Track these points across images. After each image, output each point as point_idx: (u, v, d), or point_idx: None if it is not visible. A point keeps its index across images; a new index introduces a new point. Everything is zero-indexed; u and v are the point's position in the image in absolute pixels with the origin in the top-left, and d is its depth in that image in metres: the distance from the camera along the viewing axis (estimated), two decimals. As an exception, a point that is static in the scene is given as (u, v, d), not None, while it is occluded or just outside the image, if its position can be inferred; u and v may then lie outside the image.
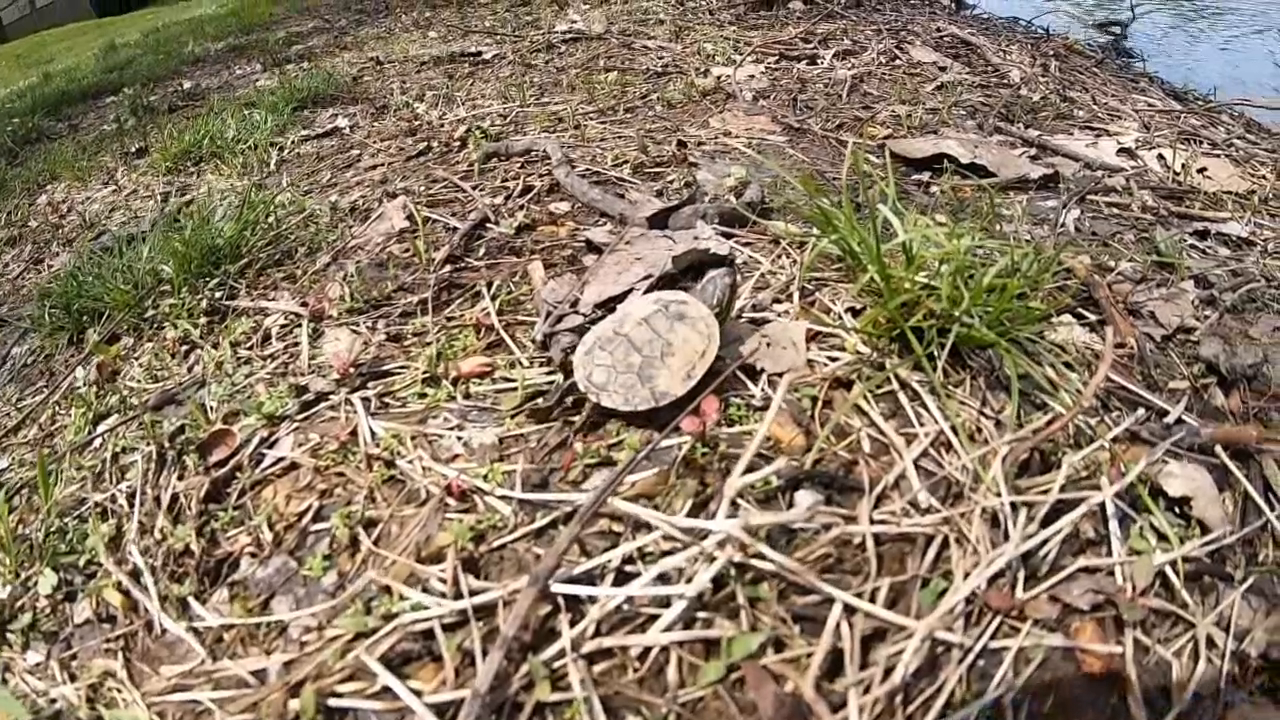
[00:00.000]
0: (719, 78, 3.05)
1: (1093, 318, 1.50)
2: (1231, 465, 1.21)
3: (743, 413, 1.20)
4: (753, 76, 3.09)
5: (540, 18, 4.86)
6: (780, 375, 1.24)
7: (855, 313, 1.39)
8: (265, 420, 1.46)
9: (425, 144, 2.73)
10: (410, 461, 1.28)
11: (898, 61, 3.31)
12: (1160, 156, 2.58)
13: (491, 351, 1.47)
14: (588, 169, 2.21)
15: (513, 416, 1.30)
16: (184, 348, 1.83)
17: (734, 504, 1.03)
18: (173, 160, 3.32)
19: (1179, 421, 1.27)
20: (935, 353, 1.23)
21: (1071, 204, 2.07)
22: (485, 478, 1.20)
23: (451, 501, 1.19)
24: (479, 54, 4.07)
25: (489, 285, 1.65)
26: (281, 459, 1.39)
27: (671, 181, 2.10)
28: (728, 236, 1.70)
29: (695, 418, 1.11)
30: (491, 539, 1.12)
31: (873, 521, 1.00)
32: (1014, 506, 1.01)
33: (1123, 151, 2.59)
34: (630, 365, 1.18)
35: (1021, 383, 1.20)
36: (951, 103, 2.83)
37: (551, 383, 1.34)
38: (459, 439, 1.29)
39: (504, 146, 2.39)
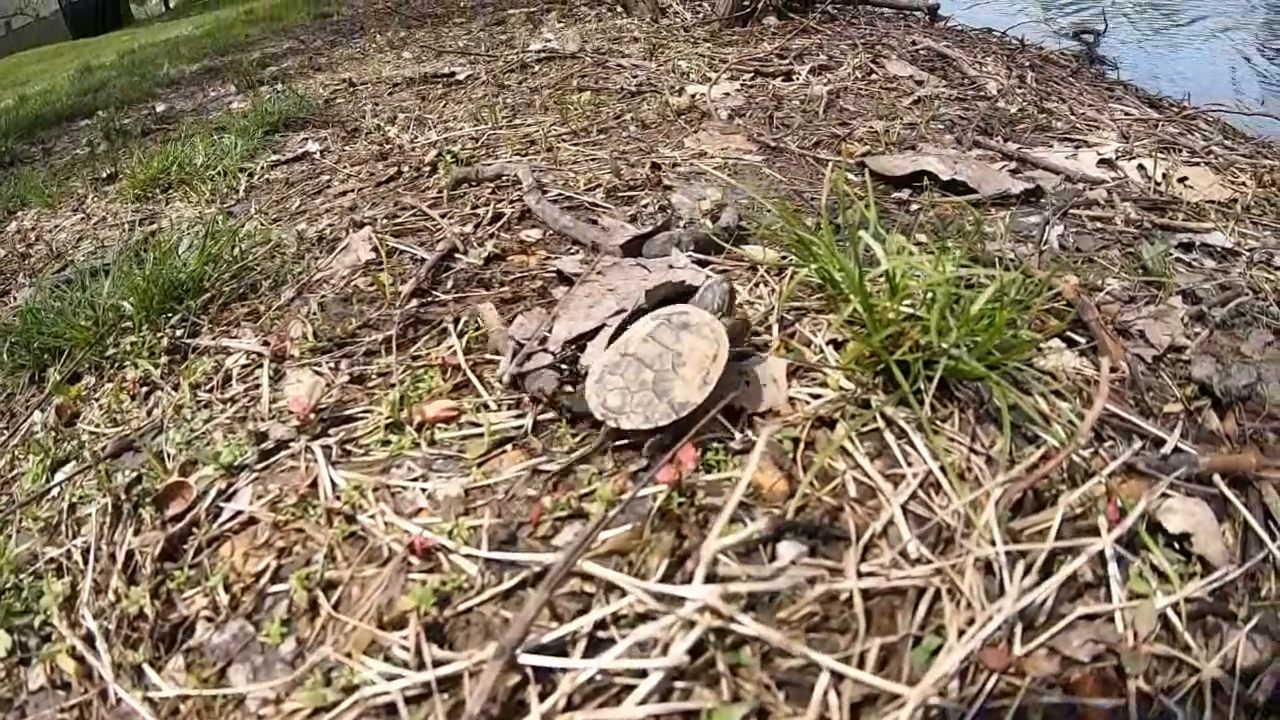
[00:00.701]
0: (694, 96, 3.00)
1: (1083, 341, 1.44)
2: (1230, 494, 1.16)
3: (721, 458, 1.14)
4: (728, 94, 3.04)
5: (515, 37, 4.81)
6: (761, 415, 1.18)
7: (838, 345, 1.33)
8: (223, 471, 1.39)
9: (396, 169, 2.66)
10: (372, 516, 1.21)
11: (874, 76, 3.27)
12: (1141, 167, 2.54)
13: (458, 393, 1.40)
14: (560, 193, 2.14)
15: (479, 465, 1.23)
16: (144, 389, 1.75)
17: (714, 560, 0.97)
18: (141, 188, 3.24)
19: (1176, 451, 1.22)
20: (922, 387, 1.17)
21: (1055, 220, 2.02)
22: (450, 534, 1.13)
23: (415, 561, 1.12)
24: (452, 74, 4.01)
25: (456, 321, 1.58)
26: (239, 513, 1.31)
27: (646, 205, 2.04)
28: (703, 264, 1.64)
29: (671, 467, 1.04)
30: (457, 601, 1.05)
31: (860, 574, 0.94)
32: (1009, 556, 0.95)
33: (1103, 163, 2.55)
34: (644, 383, 1.14)
35: (1012, 414, 1.14)
36: (929, 117, 2.79)
37: (520, 427, 1.27)
38: (423, 491, 1.22)
39: (474, 171, 2.32)
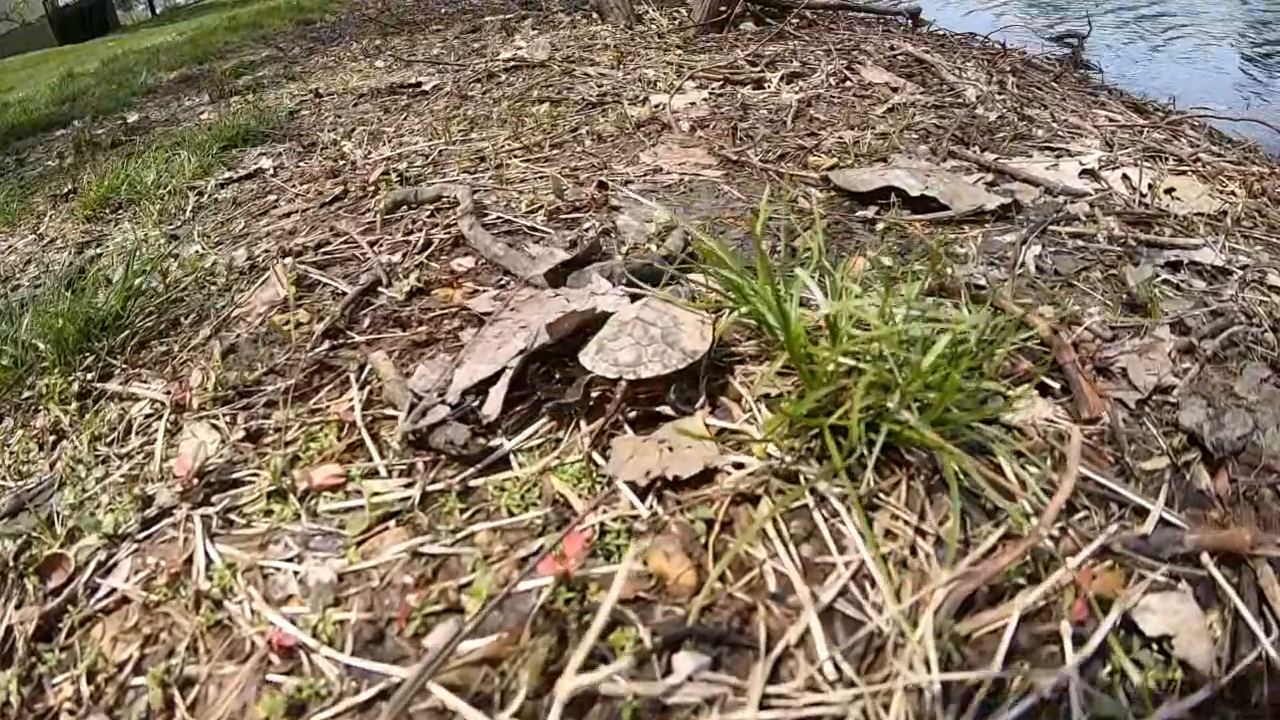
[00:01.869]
0: (656, 106, 2.82)
1: (1057, 386, 1.26)
2: (1220, 576, 0.98)
3: (621, 540, 0.96)
4: (694, 104, 2.86)
5: (488, 44, 4.63)
6: (678, 485, 1.00)
7: (770, 400, 1.15)
8: (105, 540, 1.23)
9: (343, 187, 2.49)
10: (240, 602, 1.04)
11: (848, 83, 3.09)
12: (1125, 177, 2.37)
13: (351, 454, 1.23)
14: (500, 216, 1.97)
15: (358, 544, 1.06)
16: (52, 437, 1.59)
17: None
18: (91, 208, 3.07)
19: (1159, 524, 1.04)
20: (864, 453, 0.99)
21: (1031, 238, 1.84)
22: (315, 630, 0.96)
23: (275, 659, 0.95)
24: (419, 85, 3.83)
25: (361, 368, 1.40)
26: (114, 590, 1.15)
27: (589, 229, 1.87)
28: (635, 298, 1.47)
29: (554, 559, 0.87)
30: (312, 711, 0.88)
31: (764, 705, 0.76)
32: (945, 689, 0.77)
33: (1085, 173, 2.37)
34: (654, 338, 1.19)
35: (970, 485, 0.96)
36: (903, 126, 2.61)
37: (407, 498, 1.10)
38: (296, 574, 1.05)
39: (413, 193, 2.14)
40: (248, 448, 1.32)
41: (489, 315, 1.44)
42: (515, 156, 2.47)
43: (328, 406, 1.35)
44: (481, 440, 1.13)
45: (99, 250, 2.72)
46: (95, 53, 9.80)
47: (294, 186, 2.73)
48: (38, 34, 14.33)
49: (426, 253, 1.84)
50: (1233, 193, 2.39)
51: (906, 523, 0.97)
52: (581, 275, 1.56)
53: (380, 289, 1.71)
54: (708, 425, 1.10)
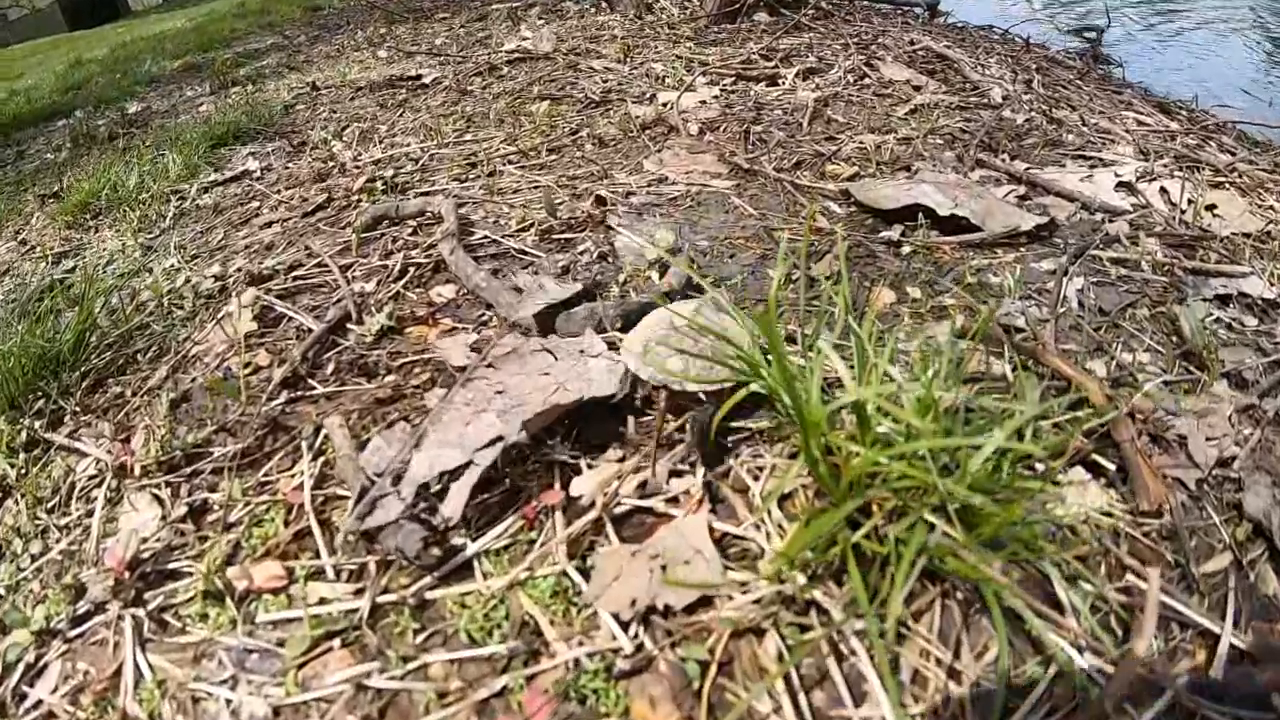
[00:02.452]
0: (665, 105, 2.63)
1: (1110, 466, 1.08)
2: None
3: (600, 683, 0.79)
4: (704, 103, 2.66)
5: (492, 34, 4.43)
6: (669, 614, 0.83)
7: (784, 501, 0.97)
8: (33, 638, 1.06)
9: (326, 195, 2.32)
10: (165, 731, 0.88)
11: (867, 81, 2.88)
12: (1163, 190, 2.16)
13: (299, 544, 1.06)
14: (487, 235, 1.79)
15: (298, 666, 0.89)
16: (-1, 494, 1.43)
17: None
18: (72, 213, 2.90)
19: (1229, 655, 0.86)
20: (894, 575, 0.81)
21: (1073, 268, 1.65)
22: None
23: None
24: (418, 78, 3.64)
25: (316, 431, 1.23)
26: (41, 703, 0.99)
27: (583, 252, 1.69)
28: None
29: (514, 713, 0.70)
30: None
31: None
32: None
33: (1122, 186, 2.17)
34: (701, 348, 1.13)
35: (1013, 602, 0.79)
36: (927, 130, 2.41)
37: (355, 611, 0.93)
38: (228, 702, 0.88)
39: (395, 207, 1.96)
40: (189, 530, 1.15)
41: (462, 371, 1.26)
42: (510, 162, 2.29)
43: (277, 480, 1.17)
44: (436, 551, 0.95)
45: (75, 261, 2.55)
46: (104, 39, 9.59)
47: (278, 192, 2.55)
48: (48, 20, 14.09)
49: (405, 279, 1.66)
50: (1272, 207, 2.20)
51: (939, 661, 0.79)
52: (571, 319, 1.38)
53: (349, 325, 1.53)
54: (710, 528, 0.92)
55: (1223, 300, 1.65)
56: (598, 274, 1.63)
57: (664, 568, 0.86)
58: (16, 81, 8.31)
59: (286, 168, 2.83)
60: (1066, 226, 1.92)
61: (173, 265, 2.17)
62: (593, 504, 1.00)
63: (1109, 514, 1.00)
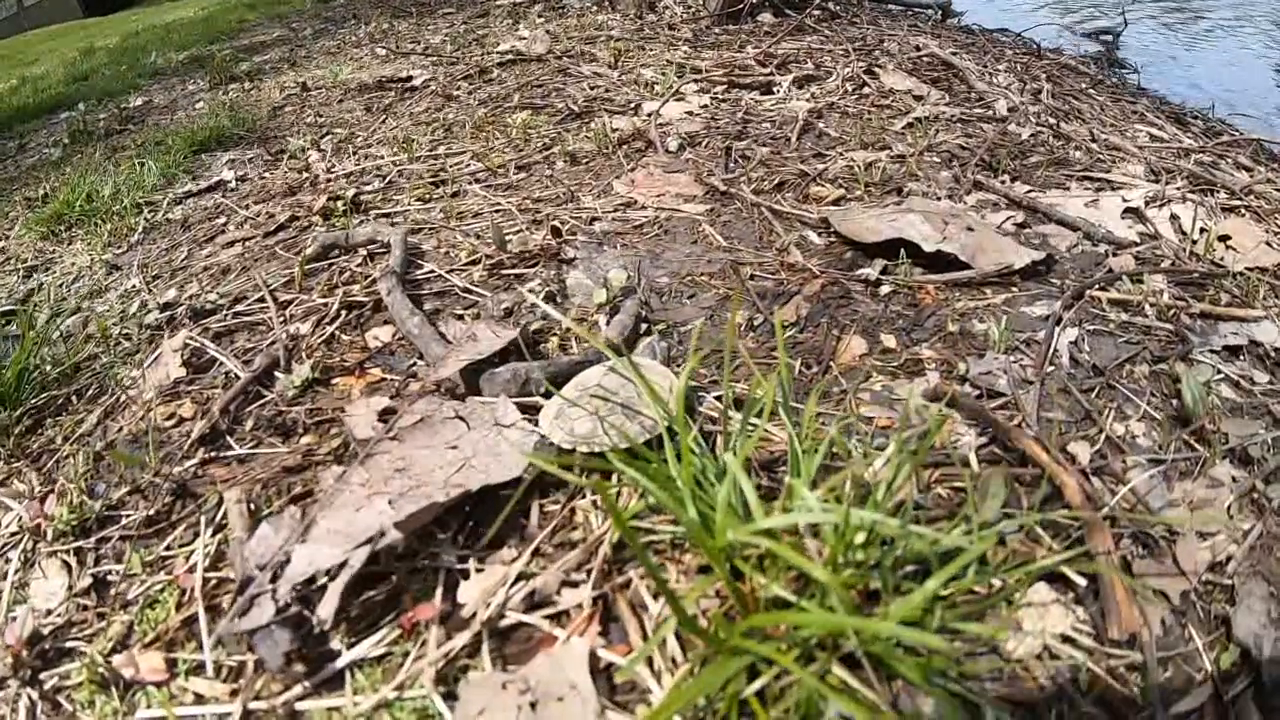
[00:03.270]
0: (648, 116, 2.46)
1: (1080, 580, 0.92)
2: None
3: None
4: (691, 113, 2.50)
5: (491, 33, 4.27)
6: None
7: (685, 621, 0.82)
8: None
9: (290, 214, 2.18)
10: None
11: (866, 90, 2.70)
12: (1174, 217, 1.98)
13: (186, 631, 0.93)
14: (434, 270, 1.65)
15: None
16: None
17: None
18: (47, 224, 2.78)
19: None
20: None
21: (1068, 315, 1.49)
22: None
23: None
24: (409, 79, 3.50)
25: (218, 505, 1.09)
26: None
27: (534, 289, 1.54)
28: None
29: None
30: None
31: None
32: None
33: (1129, 212, 1.99)
34: (613, 409, 1.06)
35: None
36: (924, 147, 2.24)
37: (228, 715, 0.79)
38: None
39: (344, 235, 1.82)
40: (90, 604, 1.02)
41: (365, 443, 1.11)
42: (477, 180, 2.14)
43: (176, 556, 1.04)
44: (300, 667, 0.82)
45: (45, 277, 2.44)
46: (117, 27, 9.50)
47: (246, 207, 2.42)
48: (62, 6, 14.00)
49: (343, 320, 1.52)
50: (1289, 235, 2.01)
51: None
52: (494, 379, 1.23)
53: (277, 373, 1.40)
54: (594, 655, 0.78)
55: (1232, 352, 1.48)
56: (542, 316, 1.48)
57: (534, 705, 0.72)
58: (30, 68, 8.24)
59: (263, 178, 2.70)
60: (1068, 259, 1.75)
61: (133, 286, 2.06)
62: (474, 616, 0.85)
63: (1071, 640, 0.84)
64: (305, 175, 2.54)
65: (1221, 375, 1.38)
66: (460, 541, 1.00)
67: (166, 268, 2.16)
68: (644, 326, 1.39)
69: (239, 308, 1.70)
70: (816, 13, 3.74)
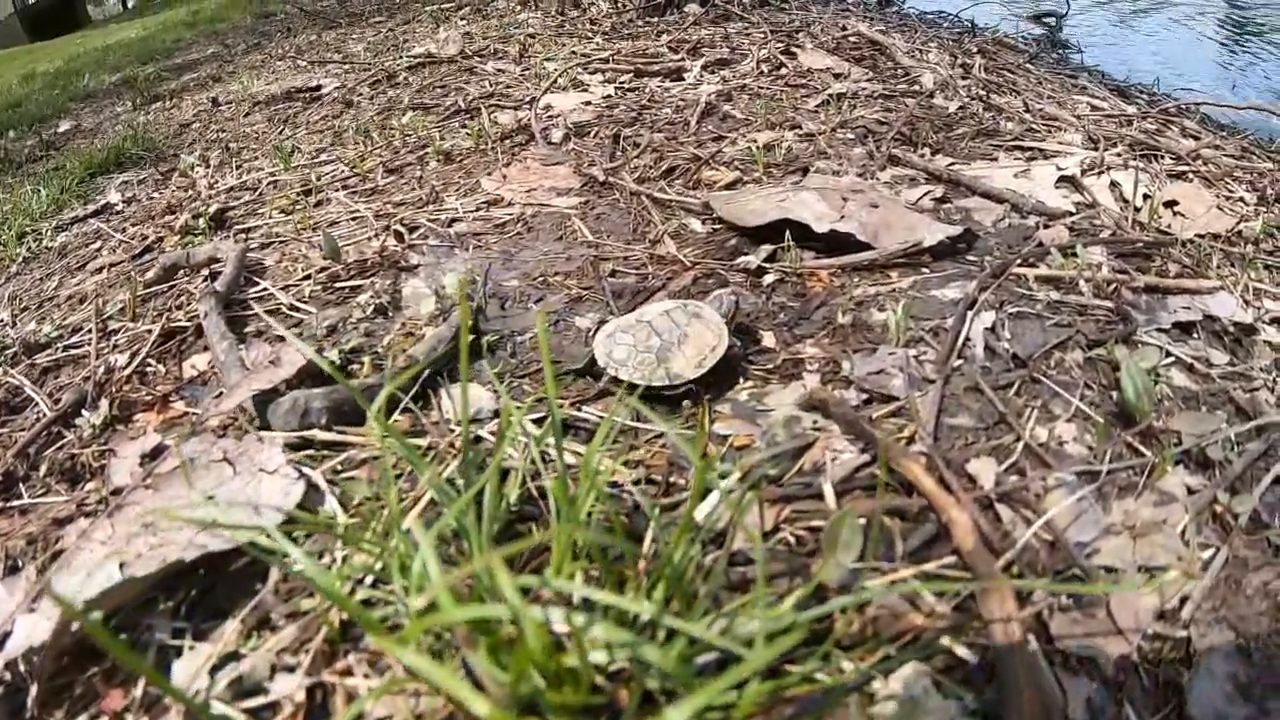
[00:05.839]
0: (542, 110, 2.18)
1: (971, 657, 0.64)
2: None
3: None
4: (589, 103, 2.22)
5: (412, 37, 4.00)
6: None
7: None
8: None
9: (160, 235, 1.90)
10: None
11: (783, 70, 2.43)
12: (1114, 184, 1.72)
13: None
14: (267, 287, 1.37)
15: None
16: None
17: None
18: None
19: None
20: None
21: (984, 296, 1.21)
22: None
23: None
24: (318, 88, 3.22)
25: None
26: None
27: (365, 301, 1.26)
28: (317, 459, 0.87)
29: None
30: None
31: None
32: None
33: (1064, 180, 1.72)
34: (650, 347, 1.02)
35: None
36: (837, 123, 1.96)
37: None
38: None
39: (186, 255, 1.55)
40: None
41: (119, 493, 0.86)
42: (345, 187, 1.86)
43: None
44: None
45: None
46: (61, 51, 9.11)
47: (123, 230, 2.13)
48: (7, 31, 13.46)
49: (162, 348, 1.26)
50: (1242, 199, 1.75)
51: None
52: (277, 411, 0.96)
53: (85, 410, 1.14)
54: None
55: (1184, 330, 1.21)
56: (366, 333, 1.20)
57: None
58: (-30, 95, 7.87)
59: (151, 197, 2.42)
60: (992, 235, 1.48)
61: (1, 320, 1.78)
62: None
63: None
64: (190, 192, 2.26)
65: (1171, 359, 1.12)
66: (183, 612, 0.77)
67: (35, 300, 1.88)
68: (472, 338, 1.11)
69: (73, 339, 1.43)
70: (745, 1, 3.47)
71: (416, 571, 0.57)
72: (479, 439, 0.94)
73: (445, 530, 0.69)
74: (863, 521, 0.73)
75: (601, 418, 0.98)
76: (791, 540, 0.75)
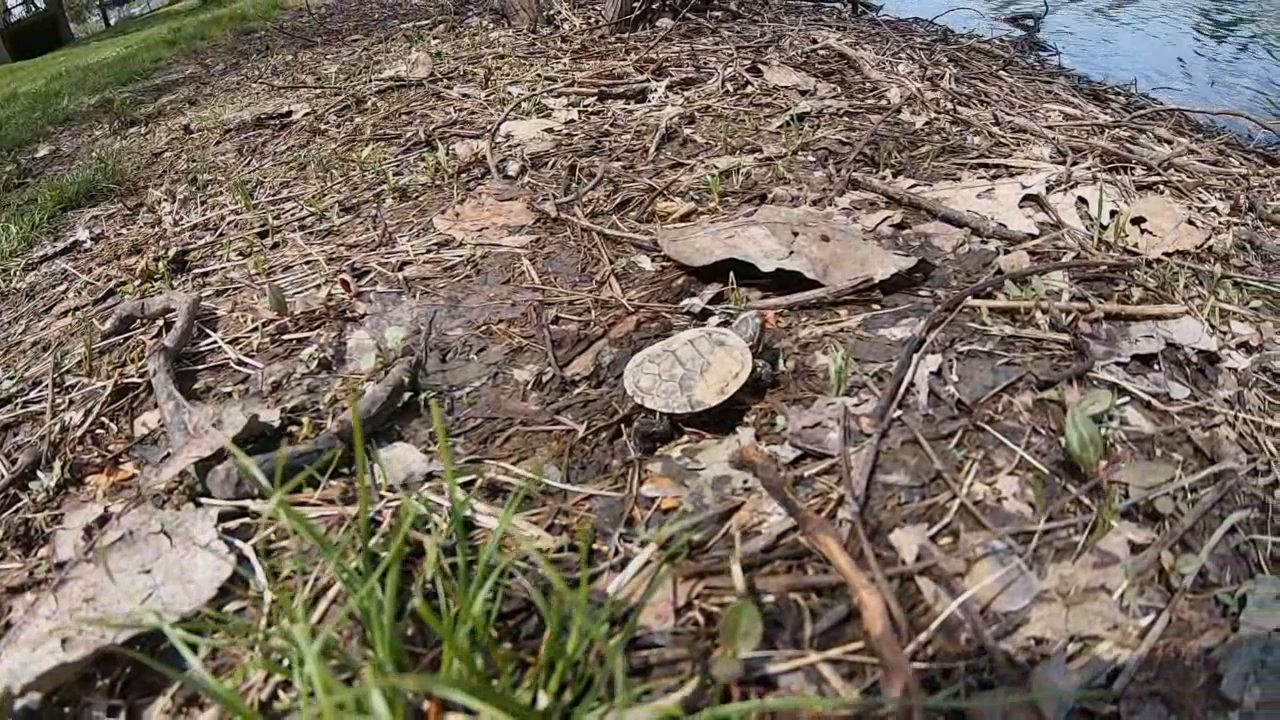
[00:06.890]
0: (506, 137, 2.16)
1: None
2: None
3: None
4: (551, 130, 2.20)
5: (385, 59, 3.98)
6: None
7: None
8: None
9: (123, 280, 1.89)
10: None
11: (748, 89, 2.41)
12: (1081, 201, 1.70)
13: None
14: (217, 340, 1.36)
15: None
16: None
17: None
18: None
19: None
20: None
21: (934, 335, 1.19)
22: None
23: None
24: (289, 114, 3.20)
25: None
26: None
27: (311, 355, 1.24)
28: (252, 528, 0.86)
29: None
30: None
31: None
32: None
33: (1029, 199, 1.70)
34: (673, 376, 1.06)
35: None
36: (799, 145, 1.94)
37: None
38: None
39: (141, 305, 1.53)
40: None
41: (63, 566, 0.85)
42: (303, 227, 1.84)
43: None
44: None
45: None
46: (43, 70, 9.06)
47: (89, 271, 2.11)
48: None
49: (115, 405, 1.24)
50: (1215, 210, 1.73)
51: None
52: (214, 478, 0.95)
53: (40, 472, 1.12)
54: None
55: (1144, 362, 1.19)
56: (309, 389, 1.18)
57: None
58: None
59: (119, 234, 2.40)
60: (951, 262, 1.46)
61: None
62: None
63: None
64: (156, 230, 2.24)
65: (1126, 399, 1.09)
66: (118, 689, 0.78)
67: (4, 344, 1.86)
68: (409, 395, 1.09)
69: (33, 394, 1.41)
70: (717, 14, 3.45)
71: (305, 681, 0.56)
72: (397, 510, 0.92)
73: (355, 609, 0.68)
74: (772, 600, 0.71)
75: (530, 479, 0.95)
76: (701, 620, 0.73)
